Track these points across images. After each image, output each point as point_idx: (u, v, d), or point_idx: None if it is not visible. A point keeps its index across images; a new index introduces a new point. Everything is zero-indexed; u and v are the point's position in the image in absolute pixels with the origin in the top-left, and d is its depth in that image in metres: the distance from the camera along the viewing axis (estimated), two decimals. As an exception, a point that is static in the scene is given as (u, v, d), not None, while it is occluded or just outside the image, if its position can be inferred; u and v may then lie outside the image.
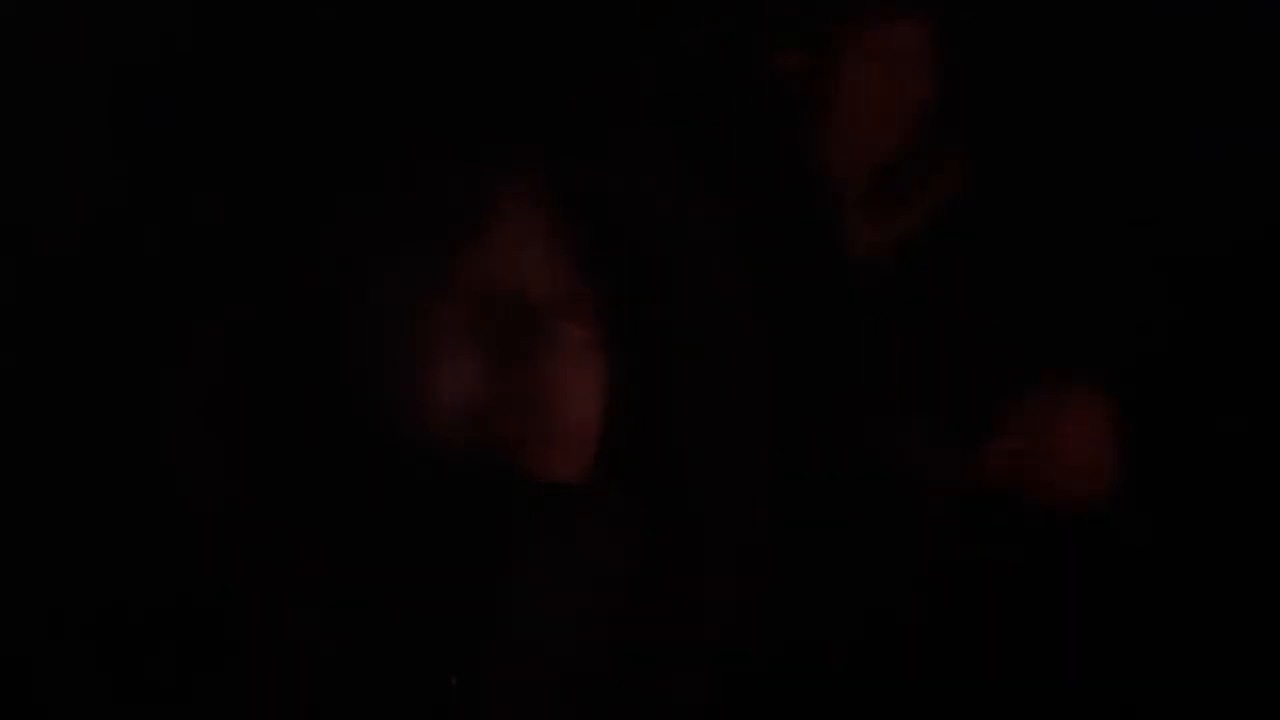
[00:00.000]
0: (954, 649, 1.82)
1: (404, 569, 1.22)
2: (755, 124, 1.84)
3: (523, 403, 1.21)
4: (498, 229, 1.23)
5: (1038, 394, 1.78)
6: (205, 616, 1.27)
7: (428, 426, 1.21)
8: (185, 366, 1.28)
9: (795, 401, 1.71)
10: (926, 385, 1.81)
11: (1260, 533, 2.03)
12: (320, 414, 1.24)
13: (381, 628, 1.21)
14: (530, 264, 1.24)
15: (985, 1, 2.06)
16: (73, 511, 1.67)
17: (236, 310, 1.29)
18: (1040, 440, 1.77)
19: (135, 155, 1.85)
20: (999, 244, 1.97)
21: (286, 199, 1.44)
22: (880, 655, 1.81)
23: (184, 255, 1.76)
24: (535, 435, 1.23)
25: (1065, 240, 2.12)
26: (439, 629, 1.21)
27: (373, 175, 1.30)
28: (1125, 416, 1.78)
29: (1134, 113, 2.18)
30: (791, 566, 1.77)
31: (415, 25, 1.80)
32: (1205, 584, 1.92)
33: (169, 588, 1.32)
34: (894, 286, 1.92)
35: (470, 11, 1.80)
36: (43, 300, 1.83)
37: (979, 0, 2.03)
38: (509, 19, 1.80)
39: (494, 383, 1.21)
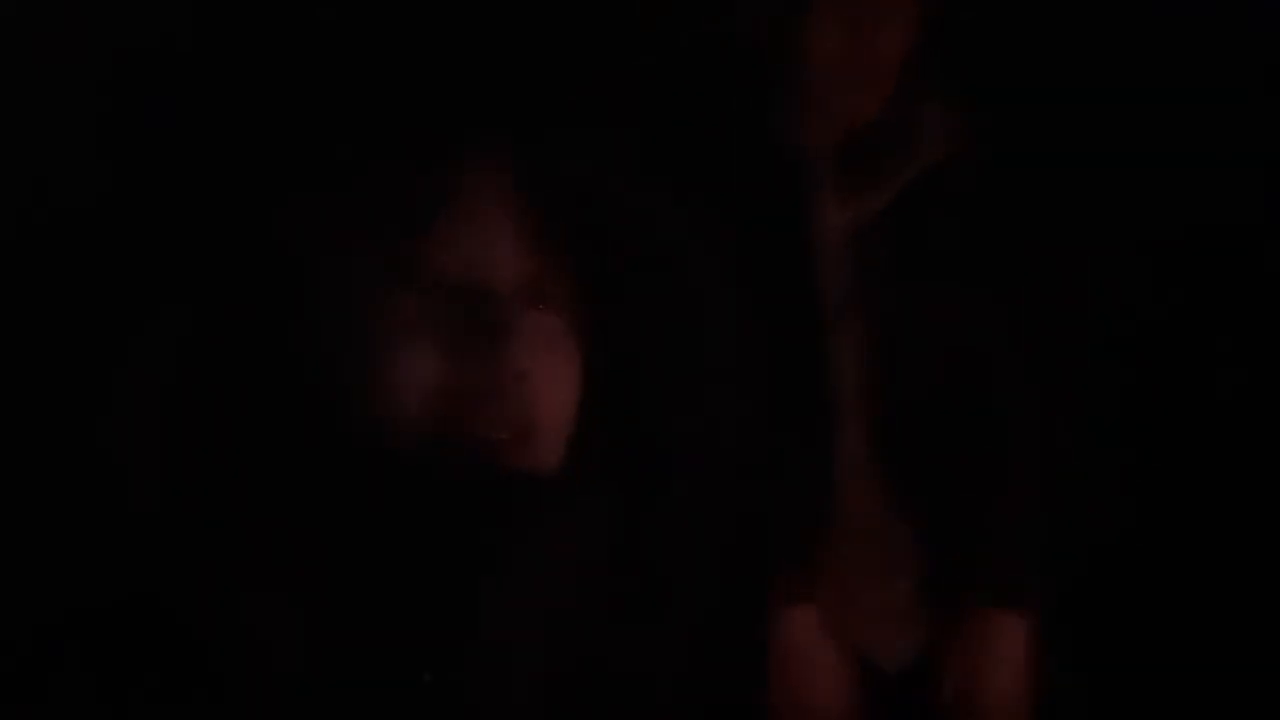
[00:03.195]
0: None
1: (375, 565, 1.19)
2: (721, 96, 1.77)
3: (493, 394, 1.20)
4: (465, 217, 1.22)
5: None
6: (170, 619, 1.25)
7: (395, 420, 1.19)
8: (140, 362, 1.27)
9: (770, 390, 1.70)
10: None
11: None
12: (284, 409, 1.22)
13: (354, 626, 1.19)
14: (499, 252, 1.21)
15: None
16: (26, 513, 1.67)
17: (193, 303, 1.28)
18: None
19: (99, 148, 1.86)
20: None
21: (245, 189, 1.43)
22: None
23: (137, 247, 1.76)
24: (507, 427, 1.21)
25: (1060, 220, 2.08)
26: (413, 626, 1.19)
27: (336, 163, 1.29)
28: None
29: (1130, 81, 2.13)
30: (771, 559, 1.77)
31: (382, 12, 1.81)
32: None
33: (128, 592, 1.30)
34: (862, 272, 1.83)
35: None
36: (24, 293, 1.83)
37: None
38: (473, 6, 1.81)
39: (463, 374, 1.19)
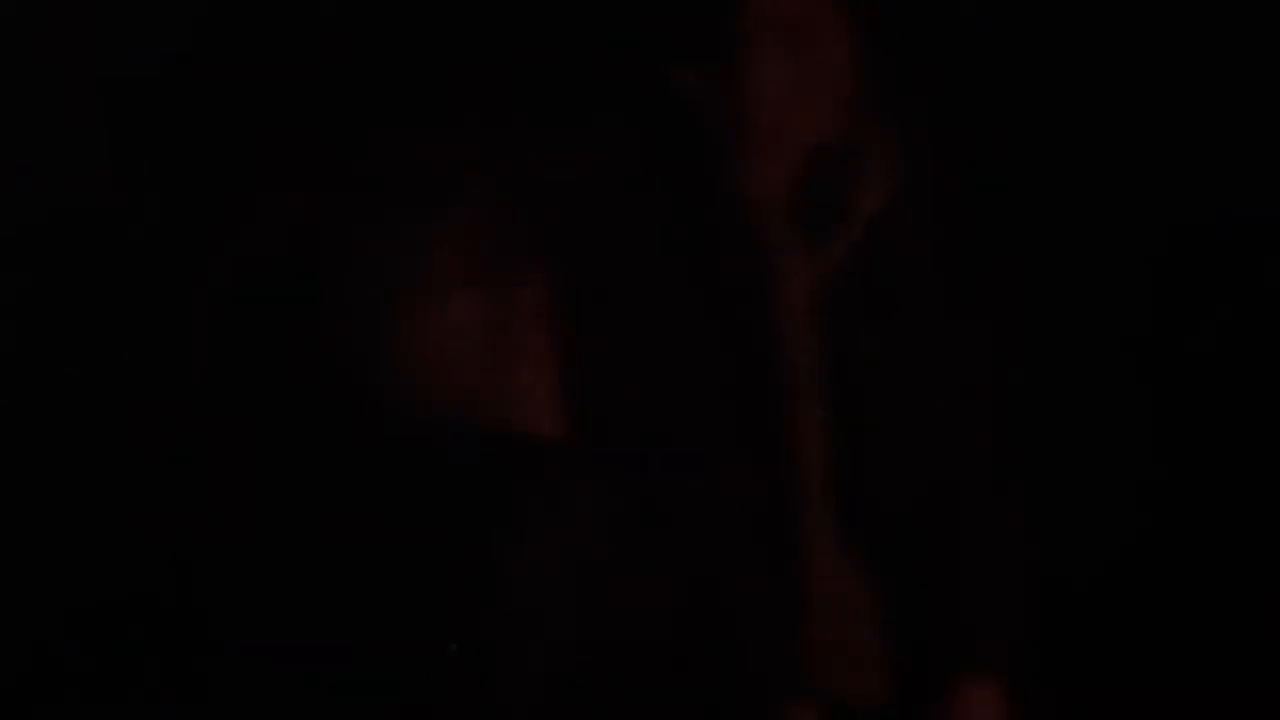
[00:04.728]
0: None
1: (399, 537, 1.24)
2: (662, 138, 1.67)
3: (491, 359, 1.27)
4: (463, 201, 1.28)
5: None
6: (201, 583, 1.29)
7: (404, 393, 1.26)
8: (174, 341, 1.31)
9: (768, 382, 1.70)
10: None
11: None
12: (305, 381, 1.27)
13: (379, 596, 1.23)
14: (496, 241, 1.28)
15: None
16: (58, 507, 1.70)
17: (216, 284, 1.32)
18: None
19: (115, 136, 1.87)
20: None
21: (262, 176, 1.46)
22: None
23: (169, 228, 1.78)
24: (504, 390, 1.29)
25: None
26: (436, 596, 1.22)
27: (347, 147, 1.33)
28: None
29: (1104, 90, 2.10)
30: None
31: (388, 12, 1.83)
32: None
33: (159, 562, 1.33)
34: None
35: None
36: (28, 295, 1.85)
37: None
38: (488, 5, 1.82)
39: (464, 350, 1.26)
